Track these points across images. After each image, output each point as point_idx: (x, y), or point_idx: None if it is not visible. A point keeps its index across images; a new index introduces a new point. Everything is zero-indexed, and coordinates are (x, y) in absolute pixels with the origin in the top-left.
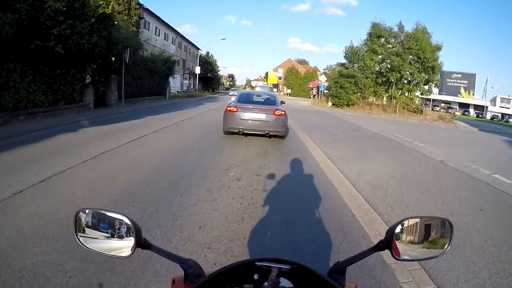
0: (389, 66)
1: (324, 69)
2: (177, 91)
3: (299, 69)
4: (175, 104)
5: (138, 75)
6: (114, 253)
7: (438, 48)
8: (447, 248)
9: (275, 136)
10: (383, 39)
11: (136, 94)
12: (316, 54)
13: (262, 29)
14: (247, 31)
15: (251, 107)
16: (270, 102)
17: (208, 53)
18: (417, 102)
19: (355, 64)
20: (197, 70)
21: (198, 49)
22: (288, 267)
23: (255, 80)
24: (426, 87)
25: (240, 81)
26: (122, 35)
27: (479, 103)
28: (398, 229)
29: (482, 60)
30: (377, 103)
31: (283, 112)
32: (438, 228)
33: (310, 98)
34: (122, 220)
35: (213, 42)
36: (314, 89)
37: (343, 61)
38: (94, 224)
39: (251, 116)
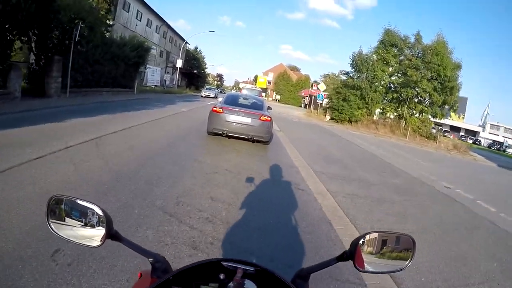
0: (401, 81)
1: (325, 76)
2: (155, 85)
3: (291, 75)
4: (139, 100)
5: (96, 59)
6: (84, 241)
7: (458, 66)
8: (408, 263)
9: (258, 141)
10: (395, 48)
11: (92, 84)
12: (307, 63)
13: (256, 33)
14: (240, 32)
15: (237, 110)
16: (256, 106)
17: (196, 48)
18: (430, 126)
19: (363, 74)
20: (179, 63)
21: (184, 40)
22: (253, 270)
23: (243, 82)
24: (440, 109)
25: (228, 82)
26: (70, 3)
27: (471, 128)
28: (362, 242)
29: (473, 84)
30: (383, 122)
31: (269, 118)
32: (401, 244)
33: (301, 107)
34: (94, 209)
35: (201, 33)
36: (307, 98)
37: (347, 69)
38: (67, 211)
39: (237, 119)
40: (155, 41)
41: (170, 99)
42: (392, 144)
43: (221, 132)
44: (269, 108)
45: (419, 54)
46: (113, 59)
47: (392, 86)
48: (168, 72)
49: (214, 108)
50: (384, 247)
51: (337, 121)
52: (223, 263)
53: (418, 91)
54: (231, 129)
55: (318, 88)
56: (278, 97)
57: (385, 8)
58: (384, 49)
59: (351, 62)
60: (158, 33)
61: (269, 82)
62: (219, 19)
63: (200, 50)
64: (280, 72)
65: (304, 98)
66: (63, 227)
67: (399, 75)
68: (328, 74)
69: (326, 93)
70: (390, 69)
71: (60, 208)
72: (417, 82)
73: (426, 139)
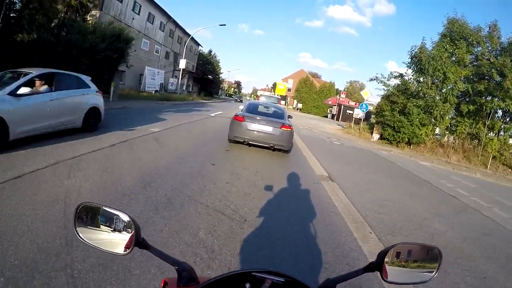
0: (482, 87)
1: (371, 79)
2: (156, 90)
3: (313, 82)
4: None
5: (36, 50)
6: (111, 249)
7: None
8: (435, 274)
9: (279, 150)
10: (466, 43)
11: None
12: (325, 71)
13: (274, 40)
14: (259, 40)
15: (258, 118)
16: (278, 115)
17: (211, 52)
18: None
19: (428, 77)
20: (182, 63)
21: (190, 36)
22: (281, 280)
23: (261, 89)
24: None
25: (246, 89)
26: None
27: None
28: (389, 253)
29: None
30: (453, 145)
31: (290, 127)
32: (428, 255)
33: (327, 117)
34: (122, 217)
35: (210, 27)
36: (335, 107)
37: (400, 70)
38: (95, 219)
39: (258, 128)
40: (158, 40)
41: (155, 109)
42: (497, 191)
43: (242, 140)
44: (289, 117)
45: (497, 52)
46: (69, 51)
47: (467, 94)
48: (176, 76)
49: (236, 116)
50: (411, 258)
51: (390, 142)
52: (254, 273)
53: (507, 103)
54: (252, 138)
55: (346, 96)
56: (300, 105)
57: (403, 15)
58: (452, 44)
59: (409, 59)
60: (163, 31)
61: (289, 90)
62: (238, 27)
63: (215, 54)
64: (302, 78)
65: (332, 107)
66: (90, 234)
67: (468, 79)
68: (376, 77)
69: (372, 102)
70: (463, 71)
71: (88, 216)
72: (510, 91)
73: (510, 169)
